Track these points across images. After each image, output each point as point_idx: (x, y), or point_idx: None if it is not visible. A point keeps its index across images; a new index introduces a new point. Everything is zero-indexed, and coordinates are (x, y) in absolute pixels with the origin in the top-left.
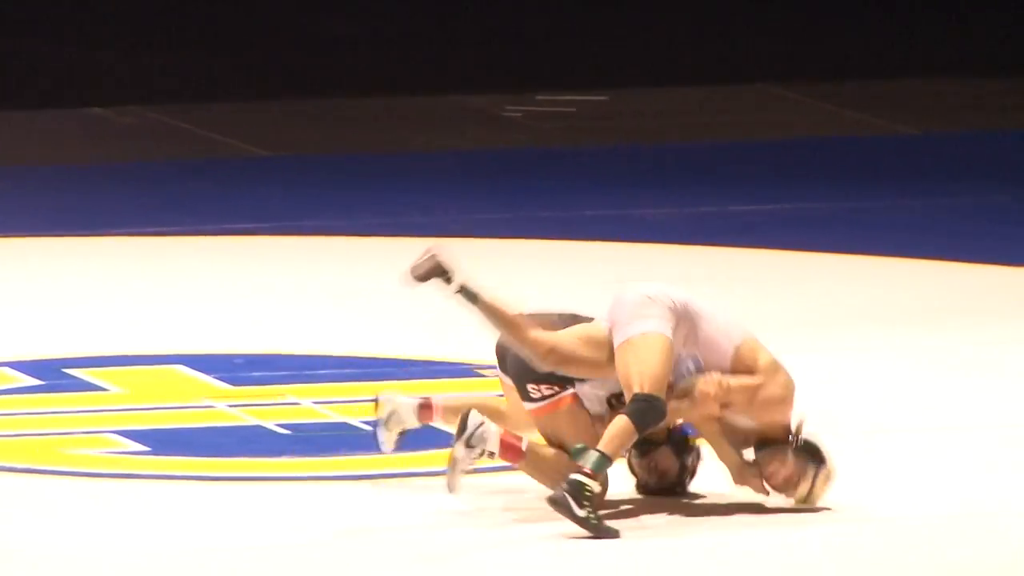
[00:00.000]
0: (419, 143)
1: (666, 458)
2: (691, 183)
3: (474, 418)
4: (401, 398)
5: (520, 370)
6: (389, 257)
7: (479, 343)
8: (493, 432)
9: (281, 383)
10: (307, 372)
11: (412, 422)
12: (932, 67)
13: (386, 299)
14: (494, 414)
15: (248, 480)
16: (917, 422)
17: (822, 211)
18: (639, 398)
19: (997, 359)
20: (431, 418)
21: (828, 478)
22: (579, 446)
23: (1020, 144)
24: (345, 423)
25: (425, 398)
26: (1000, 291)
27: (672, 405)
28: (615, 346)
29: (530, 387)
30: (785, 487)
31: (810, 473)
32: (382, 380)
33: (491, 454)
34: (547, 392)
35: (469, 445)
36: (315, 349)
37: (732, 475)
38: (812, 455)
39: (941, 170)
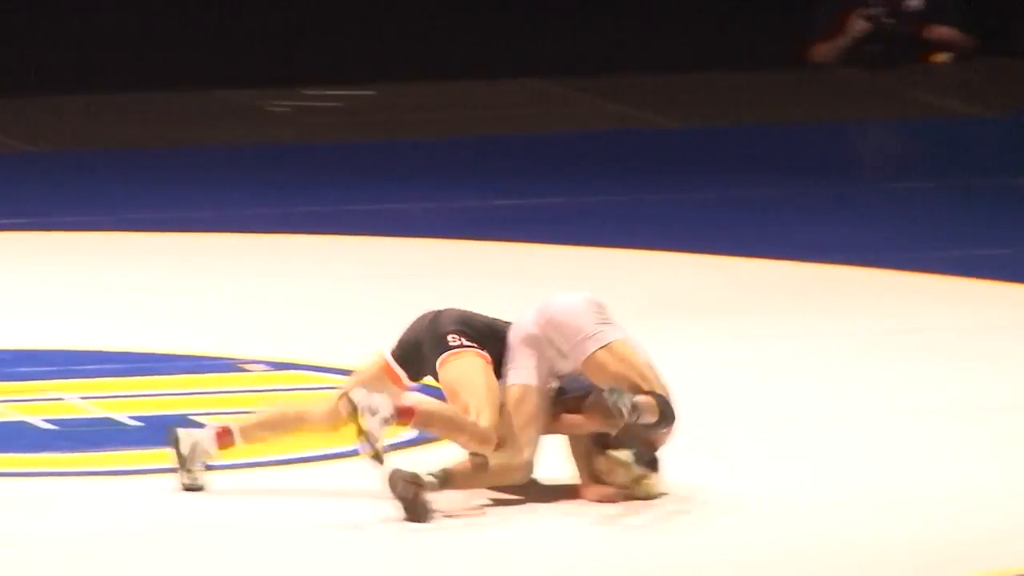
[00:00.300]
0: (184, 139)
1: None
2: (455, 177)
3: (359, 392)
4: (197, 431)
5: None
6: (153, 253)
7: (244, 339)
8: (384, 399)
9: (47, 378)
10: (73, 367)
11: (214, 452)
12: (693, 61)
13: (150, 295)
14: (297, 420)
15: (13, 476)
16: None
17: (586, 205)
18: (664, 399)
19: (767, 353)
20: (231, 444)
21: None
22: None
23: (779, 137)
24: (110, 418)
25: (222, 426)
26: (759, 284)
27: (577, 419)
28: (592, 351)
29: (450, 336)
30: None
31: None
32: (148, 375)
33: (390, 419)
34: (466, 343)
35: (372, 413)
36: (81, 344)
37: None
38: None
39: (702, 163)
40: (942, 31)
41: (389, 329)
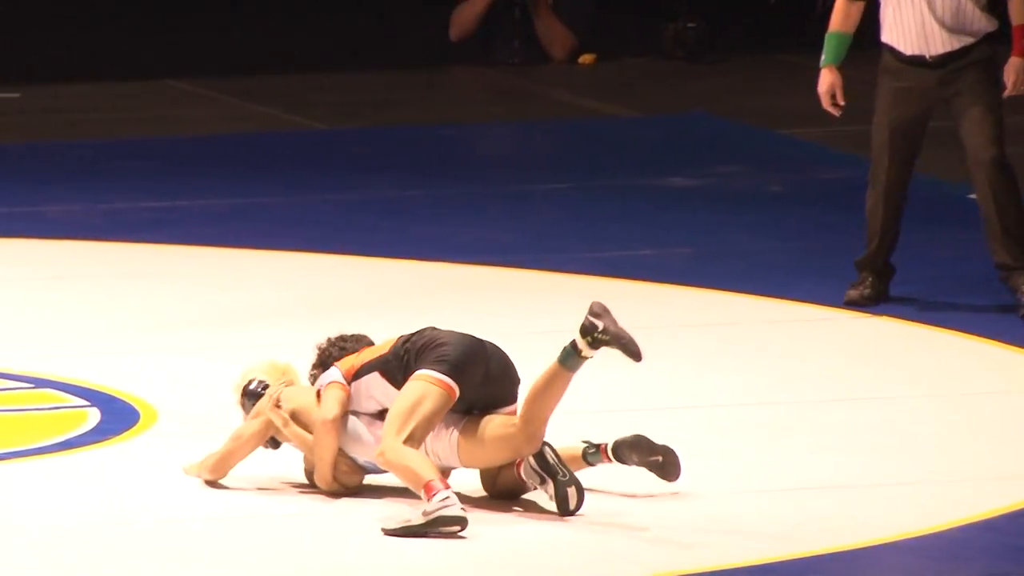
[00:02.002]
0: None
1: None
2: (101, 179)
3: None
4: None
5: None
6: None
7: None
8: None
9: None
10: None
11: None
12: (342, 62)
13: None
14: None
15: None
16: None
17: (232, 206)
18: None
19: None
20: None
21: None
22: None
23: (418, 138)
24: None
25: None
26: (403, 286)
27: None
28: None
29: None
30: None
31: None
32: None
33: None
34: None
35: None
36: None
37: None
38: None
39: (349, 164)
40: (556, 25)
41: (40, 331)
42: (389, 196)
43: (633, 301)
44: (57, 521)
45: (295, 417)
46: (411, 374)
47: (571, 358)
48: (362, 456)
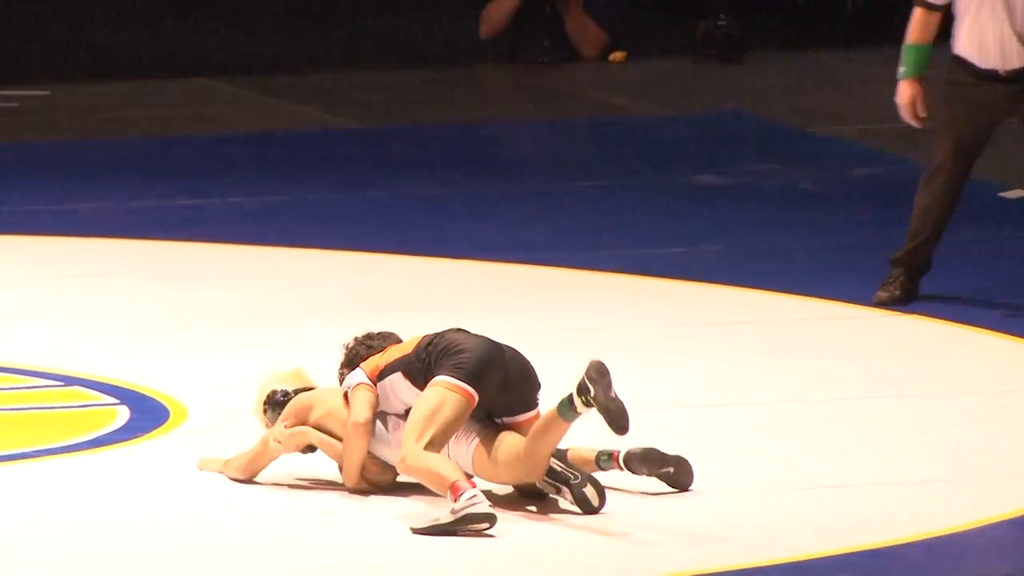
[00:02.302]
0: None
1: None
2: (134, 177)
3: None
4: None
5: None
6: None
7: None
8: None
9: None
10: None
11: None
12: (375, 60)
13: None
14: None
15: None
16: None
17: (266, 204)
18: None
19: None
20: None
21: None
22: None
23: (455, 136)
24: None
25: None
26: (444, 284)
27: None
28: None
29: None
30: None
31: None
32: None
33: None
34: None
35: None
36: None
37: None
38: None
39: (382, 163)
40: (586, 23)
41: (71, 329)
42: (421, 194)
43: (664, 299)
44: (87, 519)
45: (324, 420)
46: (431, 377)
47: (567, 411)
48: (390, 457)
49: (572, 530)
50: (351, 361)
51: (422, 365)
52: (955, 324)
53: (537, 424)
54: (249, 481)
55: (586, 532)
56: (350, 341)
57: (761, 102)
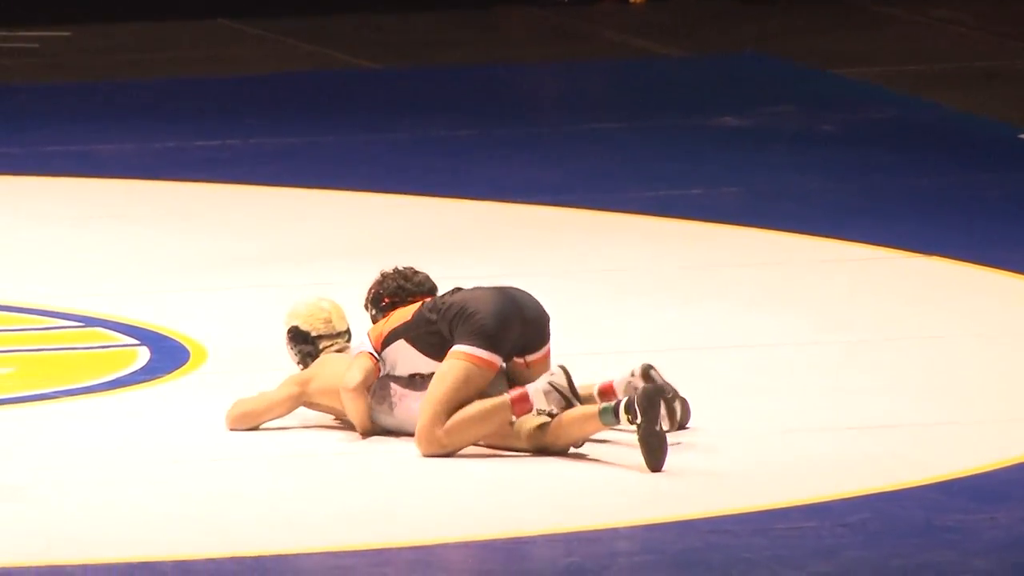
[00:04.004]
0: None
1: None
2: (154, 119)
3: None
4: None
5: None
6: None
7: None
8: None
9: None
10: None
11: None
12: (395, 2)
13: None
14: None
15: None
16: None
17: (285, 146)
18: None
19: None
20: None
21: None
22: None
23: (474, 78)
24: None
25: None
26: (462, 225)
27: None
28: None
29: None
30: None
31: None
32: None
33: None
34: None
35: None
36: None
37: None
38: None
39: (402, 104)
40: None
41: (92, 270)
42: (442, 136)
43: (684, 241)
44: (106, 460)
45: (319, 394)
46: (447, 345)
47: (610, 419)
48: (392, 425)
49: (588, 472)
50: (376, 300)
51: (427, 328)
52: (973, 266)
53: (573, 413)
54: (252, 429)
55: (602, 474)
56: (383, 279)
57: (781, 44)
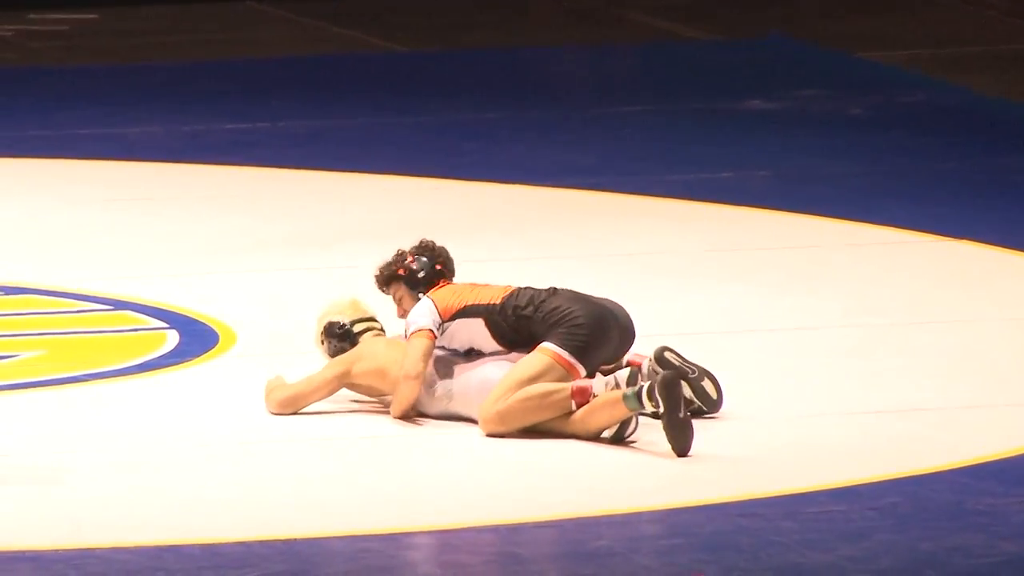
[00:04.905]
0: None
1: None
2: (183, 101)
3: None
4: None
5: None
6: None
7: None
8: None
9: None
10: None
11: None
12: None
13: None
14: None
15: None
16: None
17: (313, 128)
18: None
19: (506, 277)
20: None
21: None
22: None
23: (503, 61)
24: None
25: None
26: (490, 208)
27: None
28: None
29: None
30: None
31: None
32: None
33: None
34: None
35: None
36: None
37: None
38: None
39: (430, 87)
40: None
41: (121, 253)
42: (469, 119)
43: (713, 224)
44: (135, 443)
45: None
46: (531, 340)
47: (634, 404)
48: (433, 410)
49: (617, 456)
50: (412, 279)
51: (514, 320)
52: (1002, 249)
53: (599, 400)
54: (293, 414)
55: (631, 458)
56: (419, 252)
57: (809, 27)
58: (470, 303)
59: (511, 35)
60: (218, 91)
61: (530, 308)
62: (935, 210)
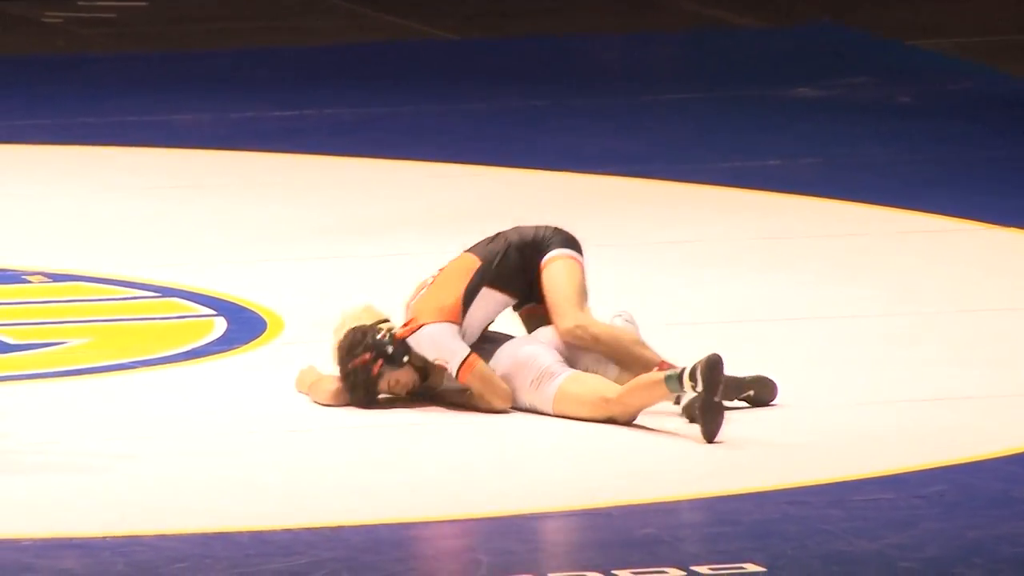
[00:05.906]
0: None
1: None
2: (231, 89)
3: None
4: None
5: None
6: None
7: (23, 250)
8: None
9: None
10: None
11: None
12: None
13: None
14: None
15: None
16: None
17: (361, 116)
18: None
19: None
20: None
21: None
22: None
23: (550, 48)
24: None
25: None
26: (534, 195)
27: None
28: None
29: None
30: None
31: None
32: None
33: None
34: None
35: None
36: None
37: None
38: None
39: (477, 74)
40: None
41: (168, 240)
42: (517, 106)
43: (760, 211)
44: (183, 430)
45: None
46: (525, 269)
47: (675, 386)
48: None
49: (661, 443)
50: (384, 354)
51: (506, 263)
52: None
53: (639, 380)
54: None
55: (676, 446)
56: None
57: (858, 14)
58: (462, 286)
59: (559, 22)
60: (267, 79)
61: (504, 247)
62: (982, 198)
